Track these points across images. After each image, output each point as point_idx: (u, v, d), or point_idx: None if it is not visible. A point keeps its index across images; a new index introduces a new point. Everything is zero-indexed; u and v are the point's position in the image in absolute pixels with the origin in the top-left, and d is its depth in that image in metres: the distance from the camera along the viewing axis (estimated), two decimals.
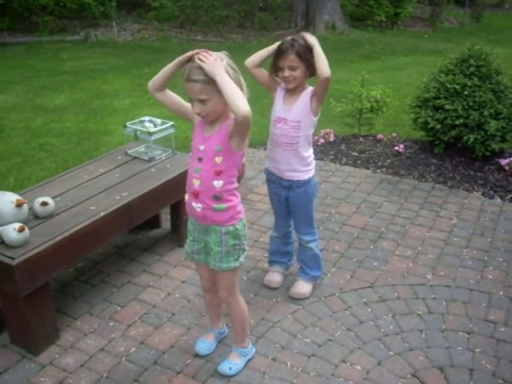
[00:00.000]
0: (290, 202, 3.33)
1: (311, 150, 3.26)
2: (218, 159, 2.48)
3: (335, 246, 4.07)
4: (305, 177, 3.23)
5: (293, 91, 3.12)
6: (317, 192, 3.37)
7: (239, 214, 2.62)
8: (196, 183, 2.54)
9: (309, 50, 3.00)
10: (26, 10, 12.79)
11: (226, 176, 2.51)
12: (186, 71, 2.37)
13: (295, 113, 3.10)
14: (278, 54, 3.02)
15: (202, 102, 2.38)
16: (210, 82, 2.31)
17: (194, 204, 2.58)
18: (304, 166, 3.21)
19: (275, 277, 3.59)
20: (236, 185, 2.59)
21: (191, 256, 2.79)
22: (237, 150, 2.47)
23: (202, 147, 2.51)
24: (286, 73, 3.01)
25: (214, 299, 2.93)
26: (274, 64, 3.06)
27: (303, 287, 3.50)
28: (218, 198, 2.53)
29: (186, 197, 2.66)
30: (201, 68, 2.32)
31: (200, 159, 2.51)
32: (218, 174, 2.49)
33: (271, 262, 3.65)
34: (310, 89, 3.12)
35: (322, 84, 3.01)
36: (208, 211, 2.56)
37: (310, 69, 3.02)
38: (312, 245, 3.44)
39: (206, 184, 2.52)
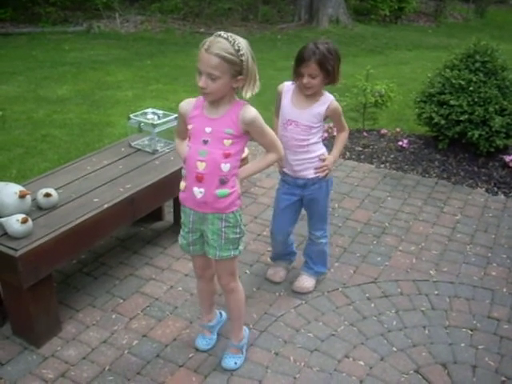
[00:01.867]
0: (304, 201, 3.29)
1: (324, 148, 3.24)
2: (227, 142, 2.44)
3: (338, 241, 4.06)
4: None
5: (304, 96, 3.08)
6: (331, 187, 3.35)
7: (238, 200, 2.58)
8: (201, 166, 2.46)
9: (330, 56, 2.96)
10: (28, 0, 12.75)
11: (234, 160, 2.48)
12: (207, 42, 2.28)
13: (307, 117, 3.08)
14: (300, 60, 2.96)
15: (211, 77, 2.29)
16: (230, 60, 2.27)
17: (195, 189, 2.50)
18: (317, 163, 3.20)
19: (278, 271, 3.58)
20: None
21: (186, 248, 2.74)
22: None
23: (208, 129, 2.44)
24: (305, 79, 2.96)
25: (207, 287, 2.91)
26: (296, 70, 3.00)
27: (307, 281, 3.49)
28: (223, 182, 2.49)
29: (183, 184, 2.58)
30: (224, 45, 2.26)
31: (205, 141, 2.45)
32: (226, 156, 2.45)
33: (274, 258, 3.64)
34: (328, 100, 3.09)
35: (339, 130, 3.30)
36: (210, 196, 2.50)
37: (329, 77, 2.99)
38: (323, 240, 3.43)
39: (212, 167, 2.45)
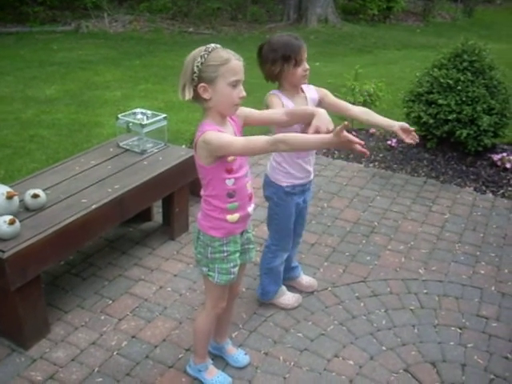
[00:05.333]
0: (301, 207, 3.19)
1: None
2: None
3: (328, 240, 4.06)
4: None
5: (296, 92, 2.94)
6: None
7: None
8: (249, 186, 2.44)
9: None
10: (16, 0, 12.69)
11: None
12: (233, 54, 2.22)
13: None
14: (299, 47, 2.80)
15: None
16: None
17: (249, 209, 2.47)
18: None
19: (290, 298, 3.39)
20: None
21: (234, 278, 2.55)
22: None
23: None
24: (307, 65, 2.86)
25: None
26: (294, 59, 2.78)
27: (308, 278, 3.53)
28: None
29: (235, 216, 2.42)
30: None
31: (242, 163, 2.39)
32: None
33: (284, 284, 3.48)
34: (309, 86, 3.01)
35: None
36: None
37: None
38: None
39: (251, 179, 2.47)
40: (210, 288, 2.57)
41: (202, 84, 2.20)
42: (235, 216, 2.41)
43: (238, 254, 2.52)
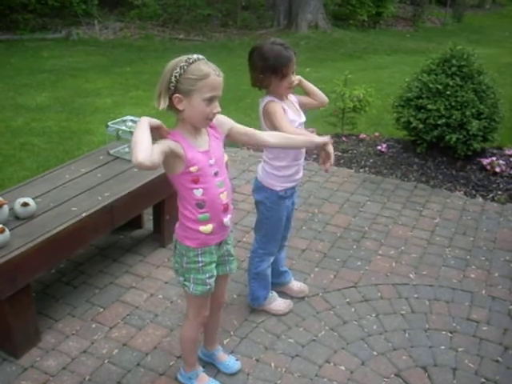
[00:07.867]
0: (290, 210, 3.21)
1: None
2: (225, 156, 2.44)
3: (318, 246, 4.07)
4: None
5: (282, 99, 2.93)
6: None
7: None
8: (224, 197, 2.37)
9: None
10: (6, 7, 12.66)
11: None
12: (213, 68, 2.18)
13: (303, 113, 3.05)
14: (289, 60, 2.79)
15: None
16: None
17: (225, 220, 2.41)
18: None
19: (281, 304, 3.40)
20: None
21: (211, 289, 2.51)
22: None
23: (212, 161, 2.31)
24: (293, 77, 2.86)
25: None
26: (282, 72, 2.78)
27: (299, 284, 3.52)
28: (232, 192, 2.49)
29: (209, 227, 2.37)
30: None
31: (216, 173, 2.33)
32: (226, 168, 2.45)
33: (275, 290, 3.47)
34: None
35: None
36: (232, 216, 2.48)
37: None
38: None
39: (230, 189, 2.43)
40: (190, 298, 2.56)
41: (177, 95, 2.19)
42: (208, 227, 2.37)
43: (214, 265, 2.49)
